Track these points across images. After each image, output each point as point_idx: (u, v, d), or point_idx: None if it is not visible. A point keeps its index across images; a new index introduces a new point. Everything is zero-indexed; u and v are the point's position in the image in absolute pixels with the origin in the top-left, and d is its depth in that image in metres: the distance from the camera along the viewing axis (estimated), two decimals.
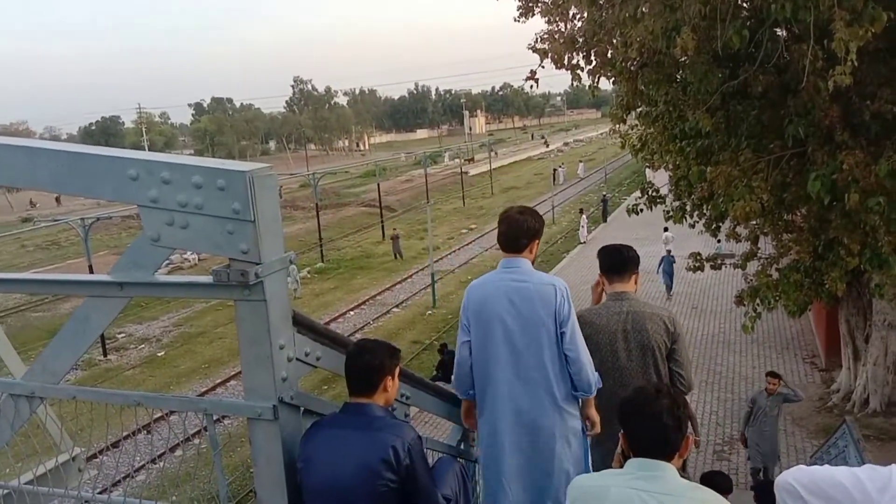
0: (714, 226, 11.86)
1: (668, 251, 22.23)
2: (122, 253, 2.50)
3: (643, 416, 2.13)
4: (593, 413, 3.49)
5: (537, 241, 3.41)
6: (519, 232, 3.34)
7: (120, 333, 25.94)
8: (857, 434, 8.11)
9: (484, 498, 3.64)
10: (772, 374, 9.97)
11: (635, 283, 3.90)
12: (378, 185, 47.39)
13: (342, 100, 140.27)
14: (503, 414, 3.35)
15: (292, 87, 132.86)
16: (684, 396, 2.23)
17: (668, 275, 21.91)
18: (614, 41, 9.23)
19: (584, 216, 34.47)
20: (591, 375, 3.31)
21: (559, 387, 3.28)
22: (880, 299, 10.69)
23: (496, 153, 78.23)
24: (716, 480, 6.10)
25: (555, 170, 58.40)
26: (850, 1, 6.67)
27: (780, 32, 8.79)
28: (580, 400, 3.43)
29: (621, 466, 2.20)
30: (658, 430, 2.10)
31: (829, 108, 8.35)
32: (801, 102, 8.61)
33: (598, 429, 3.51)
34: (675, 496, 2.02)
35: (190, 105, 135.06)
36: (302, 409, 2.53)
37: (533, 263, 3.38)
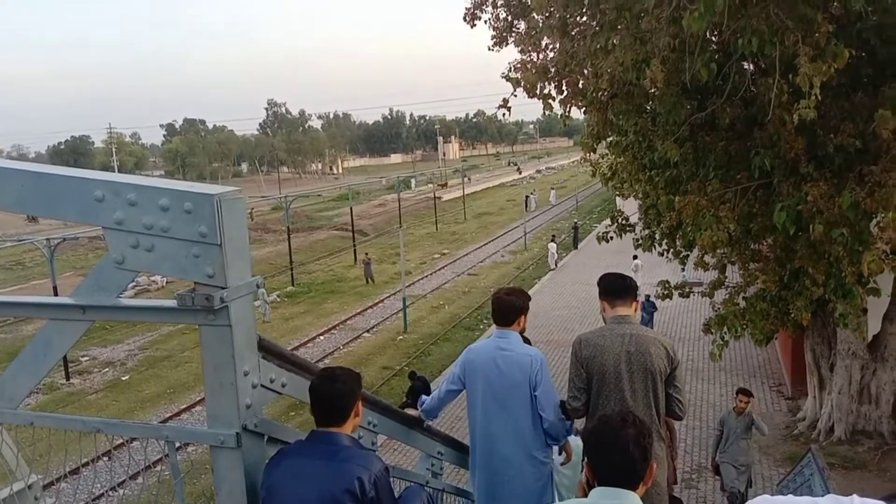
0: (682, 255, 12.01)
1: (648, 296, 19.24)
2: (86, 275, 2.46)
3: (609, 447, 2.13)
4: (568, 447, 4.32)
5: (524, 316, 4.06)
6: (507, 310, 4.03)
7: (83, 357, 25.39)
8: (822, 462, 8.18)
9: None
10: (743, 392, 9.62)
11: (636, 310, 3.97)
12: (350, 209, 47.38)
13: (316, 123, 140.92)
14: (487, 454, 4.01)
15: (266, 109, 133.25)
16: (648, 426, 2.22)
17: (647, 324, 18.87)
18: (585, 72, 9.37)
19: (554, 244, 34.64)
20: (561, 429, 3.95)
21: (532, 438, 3.92)
22: (844, 329, 10.85)
23: (469, 179, 78.72)
24: None
25: (527, 196, 58.85)
26: (814, 37, 6.86)
27: (747, 66, 9.01)
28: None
29: (585, 495, 2.19)
30: (624, 460, 2.10)
31: (794, 140, 8.54)
32: (767, 135, 8.80)
33: (568, 458, 4.36)
34: None
35: (162, 126, 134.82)
36: (266, 436, 2.49)
37: (523, 332, 4.07)
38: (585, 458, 2.23)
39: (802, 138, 8.63)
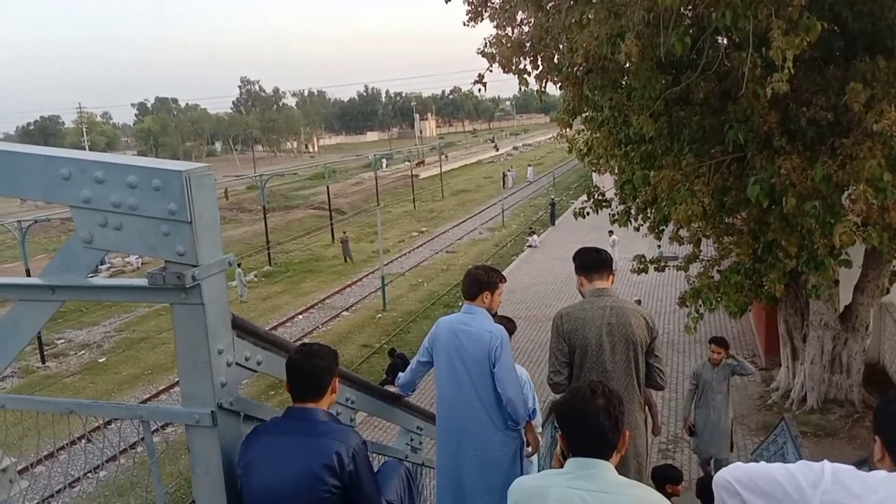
0: (658, 229, 12.10)
1: (638, 301, 16.12)
2: (54, 255, 2.42)
3: (580, 417, 2.16)
4: (530, 436, 4.16)
5: (489, 293, 4.00)
6: (470, 284, 4.04)
7: (59, 339, 25.13)
8: (794, 431, 8.33)
9: (436, 498, 4.13)
10: (715, 342, 8.86)
11: (612, 283, 4.02)
12: (327, 187, 47.04)
13: (291, 101, 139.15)
14: (449, 427, 4.02)
15: (239, 87, 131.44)
16: (619, 394, 2.26)
17: None
18: (560, 46, 9.34)
19: (535, 235, 34.39)
20: (520, 409, 3.89)
21: (495, 412, 3.90)
22: (817, 300, 11.04)
23: (447, 156, 78.47)
24: (667, 473, 6.26)
25: (504, 173, 58.85)
26: (787, 10, 6.89)
27: (721, 40, 9.02)
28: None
29: (561, 466, 2.22)
30: (595, 430, 2.13)
31: (767, 114, 8.60)
32: (740, 109, 8.85)
33: (533, 449, 4.20)
34: (613, 494, 2.06)
35: (133, 105, 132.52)
36: (242, 414, 2.48)
37: (493, 310, 4.02)
38: (559, 431, 2.26)
39: (775, 112, 8.70)
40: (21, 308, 2.43)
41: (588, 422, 2.13)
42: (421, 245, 38.87)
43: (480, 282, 4.03)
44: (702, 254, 12.50)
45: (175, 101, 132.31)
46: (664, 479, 6.12)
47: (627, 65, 8.81)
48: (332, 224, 42.11)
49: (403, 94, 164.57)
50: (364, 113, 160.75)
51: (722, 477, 2.04)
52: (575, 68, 9.83)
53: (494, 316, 4.05)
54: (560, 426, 2.26)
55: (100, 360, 23.24)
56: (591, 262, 4.00)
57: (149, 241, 2.15)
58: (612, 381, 3.67)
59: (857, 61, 8.44)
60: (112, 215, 2.16)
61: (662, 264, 12.75)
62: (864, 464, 2.45)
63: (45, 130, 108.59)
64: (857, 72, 8.20)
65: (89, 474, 14.26)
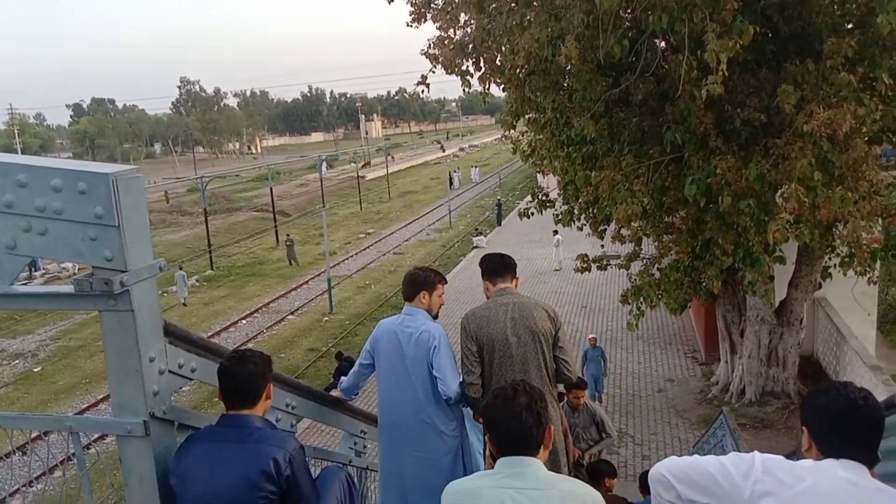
0: (600, 228, 12.30)
1: (594, 341, 13.90)
2: None
3: (504, 417, 2.18)
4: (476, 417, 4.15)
5: (426, 292, 4.04)
6: (408, 284, 4.09)
7: None
8: (733, 424, 8.56)
9: (379, 497, 4.16)
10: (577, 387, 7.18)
11: (515, 285, 4.09)
12: (271, 189, 46.35)
13: (232, 101, 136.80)
14: (391, 429, 4.02)
15: (179, 88, 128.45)
16: (541, 391, 2.29)
17: (594, 377, 13.44)
18: (503, 48, 9.42)
19: (482, 236, 34.48)
20: (452, 388, 3.85)
21: (436, 412, 3.94)
22: (753, 295, 11.39)
23: (393, 157, 78.24)
24: (602, 468, 6.38)
25: (451, 174, 58.98)
26: (721, 14, 7.09)
27: (659, 43, 9.23)
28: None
29: (492, 468, 2.23)
30: (519, 428, 2.15)
31: (703, 115, 8.84)
32: (677, 110, 9.06)
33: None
34: (543, 490, 2.08)
35: (68, 106, 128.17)
36: (176, 423, 2.42)
37: (433, 311, 4.06)
38: (487, 433, 2.28)
39: (711, 113, 8.94)
40: None
41: (512, 421, 2.15)
42: (368, 247, 38.64)
43: (418, 282, 4.07)
44: (642, 252, 12.76)
45: (112, 101, 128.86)
46: (600, 473, 6.23)
47: (568, 67, 8.95)
48: (276, 226, 41.51)
49: (348, 95, 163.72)
50: (308, 114, 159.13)
51: (657, 471, 2.08)
52: (517, 70, 9.93)
53: (435, 317, 4.05)
54: (486, 428, 2.29)
55: (35, 370, 22.39)
56: (495, 266, 4.09)
57: (75, 247, 2.08)
58: (523, 374, 3.74)
59: (788, 64, 8.74)
60: (36, 220, 2.09)
61: (605, 263, 12.97)
62: (794, 454, 2.53)
63: None
64: (788, 74, 8.49)
65: (22, 489, 13.78)
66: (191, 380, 2.49)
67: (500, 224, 39.53)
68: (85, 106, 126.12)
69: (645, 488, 6.14)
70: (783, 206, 8.62)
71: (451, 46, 9.66)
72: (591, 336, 14.34)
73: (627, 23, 8.99)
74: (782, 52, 9.26)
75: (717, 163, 8.55)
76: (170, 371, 2.34)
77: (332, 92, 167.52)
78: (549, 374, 3.84)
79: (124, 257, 2.06)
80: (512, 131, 12.42)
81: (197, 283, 31.65)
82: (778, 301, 12.28)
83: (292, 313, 26.76)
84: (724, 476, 1.95)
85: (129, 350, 2.17)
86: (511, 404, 2.18)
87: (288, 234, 37.76)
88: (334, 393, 4.31)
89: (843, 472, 1.88)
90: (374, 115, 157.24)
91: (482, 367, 3.83)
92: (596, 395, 13.32)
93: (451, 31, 9.94)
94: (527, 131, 13.33)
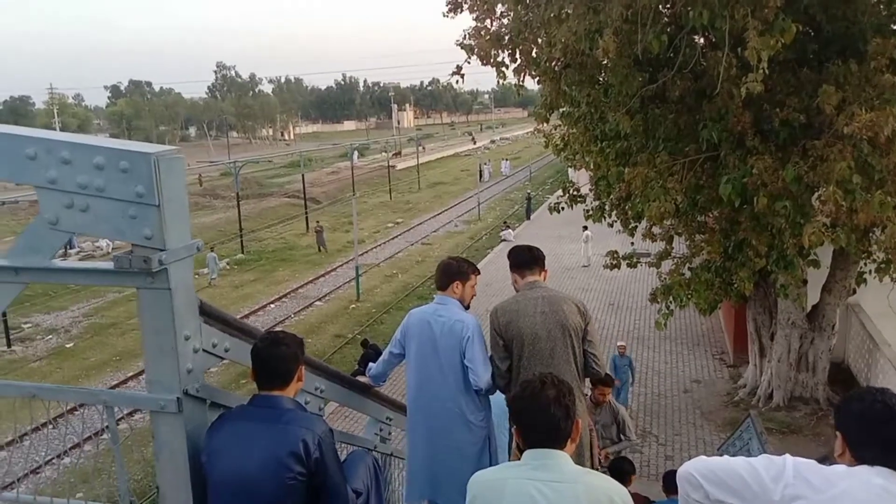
0: (631, 225, 12.19)
1: (623, 349, 13.39)
2: (18, 236, 2.37)
3: (532, 409, 2.18)
4: None
5: (459, 282, 4.02)
6: (442, 273, 4.07)
7: (26, 323, 24.68)
8: (760, 427, 8.48)
9: (406, 484, 4.17)
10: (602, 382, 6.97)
11: (544, 278, 4.06)
12: (302, 176, 46.68)
13: (267, 87, 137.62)
14: (420, 418, 4.01)
15: (215, 72, 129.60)
16: (569, 384, 2.29)
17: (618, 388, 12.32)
18: (539, 41, 9.35)
19: (510, 230, 34.39)
20: (484, 378, 3.84)
21: (466, 402, 3.93)
22: (785, 299, 11.21)
23: (424, 148, 78.27)
24: (624, 466, 6.34)
25: (481, 167, 58.87)
26: (763, 12, 6.96)
27: (698, 39, 9.11)
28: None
29: (518, 459, 2.23)
30: (548, 421, 2.15)
31: (741, 114, 8.70)
32: (715, 108, 8.94)
33: None
34: (568, 483, 2.08)
35: (106, 87, 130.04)
36: (208, 401, 2.45)
37: (465, 302, 4.05)
38: (514, 425, 2.27)
39: (749, 112, 8.80)
40: None
41: (540, 413, 2.15)
42: (396, 236, 38.77)
43: (452, 271, 4.04)
44: (673, 251, 12.63)
45: (149, 84, 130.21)
46: (624, 472, 6.19)
47: (605, 61, 8.86)
48: (306, 213, 41.81)
49: (381, 84, 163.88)
50: (341, 102, 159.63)
51: (685, 470, 2.06)
52: (553, 63, 9.86)
53: (467, 308, 4.05)
54: (513, 420, 2.28)
55: (67, 346, 22.88)
56: (524, 260, 4.06)
57: (116, 224, 2.12)
58: (553, 368, 3.70)
59: (831, 64, 8.57)
60: (78, 197, 2.13)
61: (635, 261, 12.86)
62: (825, 459, 2.50)
63: (15, 111, 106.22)
64: (829, 75, 8.33)
65: (53, 461, 14.12)
66: (223, 359, 2.52)
67: (528, 218, 39.39)
68: (122, 88, 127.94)
69: (668, 488, 6.09)
70: (820, 209, 8.45)
71: (487, 37, 9.60)
72: (620, 344, 13.71)
73: (666, 18, 8.88)
74: (824, 52, 9.08)
75: (753, 163, 8.43)
76: (204, 350, 2.38)
77: (365, 81, 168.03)
78: (577, 368, 3.82)
79: (163, 236, 2.09)
80: (545, 125, 12.35)
81: (228, 266, 32.04)
82: (810, 305, 12.08)
83: (320, 299, 26.99)
84: (753, 478, 1.94)
85: (165, 328, 2.21)
86: (539, 397, 2.17)
87: (318, 221, 38.03)
88: (361, 379, 4.34)
89: (877, 479, 1.85)
90: (407, 105, 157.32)
91: (510, 363, 3.82)
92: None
93: (488, 21, 9.87)
94: (560, 125, 13.26)
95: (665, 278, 11.95)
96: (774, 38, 6.91)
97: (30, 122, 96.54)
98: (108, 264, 2.20)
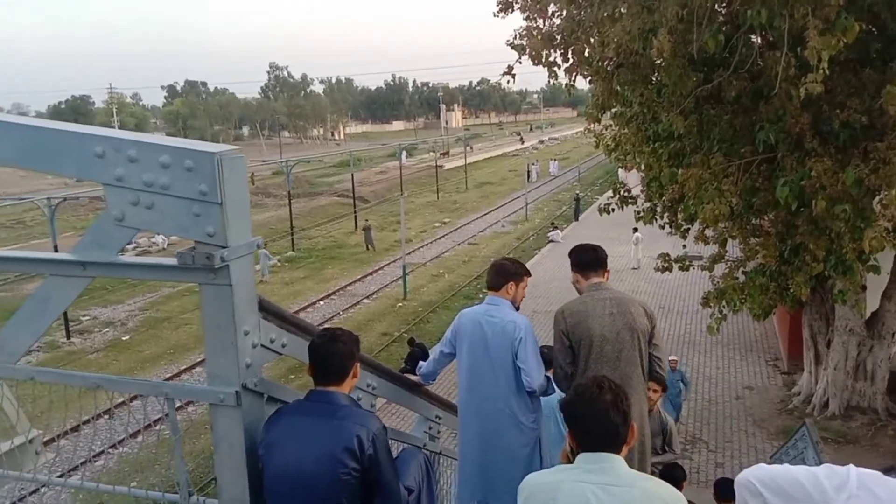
0: (683, 228, 12.00)
1: (675, 363, 12.28)
2: (85, 232, 2.45)
3: (589, 414, 2.16)
4: None
5: (513, 283, 4.00)
6: (496, 273, 4.05)
7: (84, 316, 25.50)
8: (815, 436, 8.26)
9: (457, 484, 4.20)
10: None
11: (606, 278, 4.04)
12: (352, 175, 47.14)
13: (318, 87, 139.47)
14: (472, 420, 4.02)
15: (268, 72, 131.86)
16: (624, 388, 2.26)
17: (675, 406, 12.09)
18: (592, 40, 9.27)
19: (557, 231, 34.16)
20: (536, 380, 3.84)
21: (518, 404, 3.91)
22: (843, 305, 10.91)
23: (472, 148, 78.22)
24: (675, 473, 6.23)
25: (529, 167, 58.56)
26: (824, 10, 6.77)
27: (755, 39, 8.90)
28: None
29: (570, 462, 2.22)
30: (605, 426, 2.13)
31: (799, 115, 8.48)
32: (772, 109, 8.73)
33: None
34: (625, 487, 2.06)
35: (163, 87, 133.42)
36: (265, 395, 2.50)
37: (516, 302, 4.02)
38: (567, 428, 2.25)
39: (808, 113, 8.58)
40: (52, 283, 2.47)
41: (597, 419, 2.13)
42: (443, 236, 38.85)
43: (506, 272, 4.03)
44: (727, 254, 12.39)
45: (204, 84, 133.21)
46: (673, 479, 6.09)
47: (659, 61, 8.72)
48: (355, 212, 42.23)
49: (430, 84, 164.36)
50: (391, 102, 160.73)
51: (744, 477, 2.02)
52: (605, 62, 9.76)
53: (517, 309, 4.04)
54: (568, 423, 2.26)
55: (123, 338, 23.56)
56: (588, 260, 4.03)
57: (179, 221, 2.17)
58: (619, 370, 3.70)
59: (895, 64, 8.29)
60: (144, 194, 2.18)
61: (687, 263, 12.65)
62: (891, 470, 2.42)
63: (75, 110, 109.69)
64: (893, 75, 8.05)
65: (110, 450, 14.57)
66: (281, 354, 2.57)
67: (577, 219, 39.04)
68: (179, 87, 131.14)
69: (721, 496, 5.99)
70: (881, 213, 8.18)
71: (539, 37, 9.55)
72: (672, 358, 12.21)
73: (723, 17, 8.70)
74: (889, 51, 8.78)
75: (812, 165, 8.21)
76: (262, 345, 2.42)
77: (414, 81, 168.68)
78: (644, 371, 3.79)
79: (225, 233, 2.14)
80: (596, 125, 12.24)
81: (279, 264, 32.56)
82: (869, 312, 11.72)
83: (367, 297, 27.23)
84: (815, 487, 1.89)
85: (226, 323, 2.26)
86: (597, 402, 2.15)
87: (366, 220, 38.38)
88: (410, 377, 4.37)
89: None
90: (455, 105, 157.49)
91: (575, 365, 3.80)
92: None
93: (540, 21, 9.82)
94: (611, 125, 13.12)
95: (718, 282, 11.72)
96: (836, 38, 6.70)
97: (90, 121, 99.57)
98: (172, 260, 2.25)
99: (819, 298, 12.09)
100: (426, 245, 36.56)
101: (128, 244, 2.40)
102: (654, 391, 7.01)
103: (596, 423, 2.14)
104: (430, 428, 4.46)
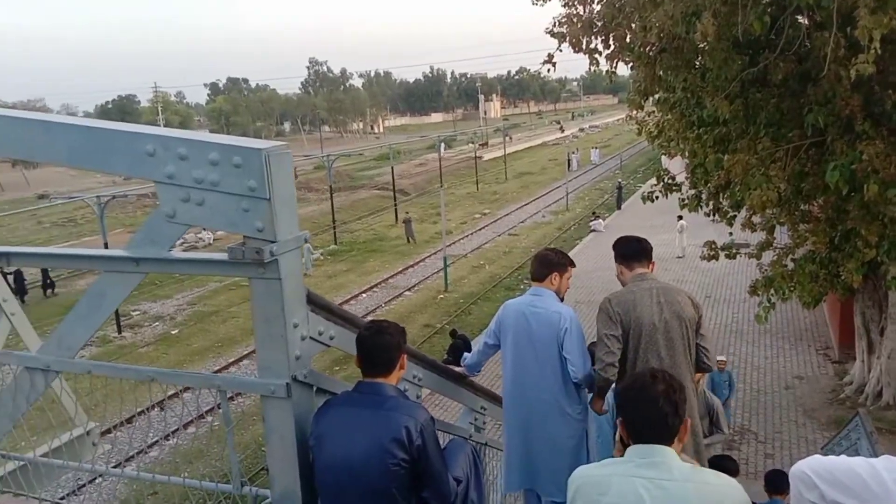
0: (729, 215, 11.77)
1: (723, 364, 11.26)
2: (138, 229, 2.51)
3: (640, 403, 2.13)
4: (595, 405, 4.04)
5: (558, 274, 4.00)
6: (540, 264, 4.04)
7: (134, 311, 26.16)
8: (869, 427, 8.06)
9: (503, 474, 4.22)
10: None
11: (651, 269, 4.00)
12: (392, 168, 47.33)
13: (357, 82, 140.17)
14: (518, 411, 4.03)
15: (308, 68, 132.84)
16: (680, 381, 2.22)
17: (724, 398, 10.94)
18: (633, 25, 9.12)
19: (599, 220, 33.79)
20: (582, 370, 3.83)
21: (563, 394, 3.91)
22: None
23: (511, 138, 77.82)
24: (727, 465, 6.12)
25: (569, 156, 58.02)
26: None
27: (802, 20, 8.66)
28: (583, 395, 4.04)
29: (621, 454, 2.19)
30: (657, 417, 2.09)
31: (849, 97, 8.23)
32: (821, 91, 8.49)
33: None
34: (678, 481, 2.02)
35: (206, 85, 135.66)
36: (315, 387, 2.54)
37: (560, 293, 4.02)
38: (619, 418, 2.23)
39: (859, 95, 8.32)
40: (106, 279, 2.54)
41: (649, 408, 2.10)
42: (483, 227, 38.80)
43: (550, 263, 4.02)
44: (775, 241, 12.12)
45: (246, 81, 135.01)
46: (724, 471, 5.99)
47: (703, 44, 8.54)
48: (395, 204, 42.42)
49: (469, 75, 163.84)
50: (429, 94, 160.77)
51: (799, 469, 1.97)
52: (647, 48, 9.59)
53: (561, 300, 4.02)
54: (620, 413, 2.23)
55: (172, 332, 24.11)
56: (633, 251, 3.99)
57: (229, 217, 2.21)
58: (668, 359, 3.67)
59: None
60: (194, 191, 2.22)
61: (734, 251, 12.40)
62: None
63: (122, 109, 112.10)
64: None
65: (161, 441, 14.95)
66: (328, 346, 2.60)
67: (619, 208, 38.61)
68: (221, 85, 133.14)
69: (772, 487, 5.88)
70: None
71: (579, 24, 9.44)
72: (720, 359, 10.64)
73: None
74: None
75: (863, 148, 7.96)
76: (311, 337, 2.46)
77: (452, 72, 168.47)
78: (692, 360, 3.75)
79: (274, 228, 2.17)
80: (638, 112, 12.06)
81: (321, 257, 32.92)
82: None
83: (409, 289, 27.37)
84: (874, 479, 1.83)
85: (276, 316, 2.30)
86: (649, 391, 2.12)
87: (407, 212, 38.53)
88: (454, 368, 4.38)
89: None
90: (494, 95, 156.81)
91: (622, 353, 3.77)
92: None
93: (580, 8, 9.71)
94: (653, 112, 12.92)
95: (766, 270, 11.48)
96: (888, 16, 6.48)
97: (135, 119, 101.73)
98: (222, 255, 2.30)
99: (871, 285, 11.76)
100: (466, 236, 36.56)
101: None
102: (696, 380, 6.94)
103: (647, 412, 2.11)
104: (476, 419, 4.47)
